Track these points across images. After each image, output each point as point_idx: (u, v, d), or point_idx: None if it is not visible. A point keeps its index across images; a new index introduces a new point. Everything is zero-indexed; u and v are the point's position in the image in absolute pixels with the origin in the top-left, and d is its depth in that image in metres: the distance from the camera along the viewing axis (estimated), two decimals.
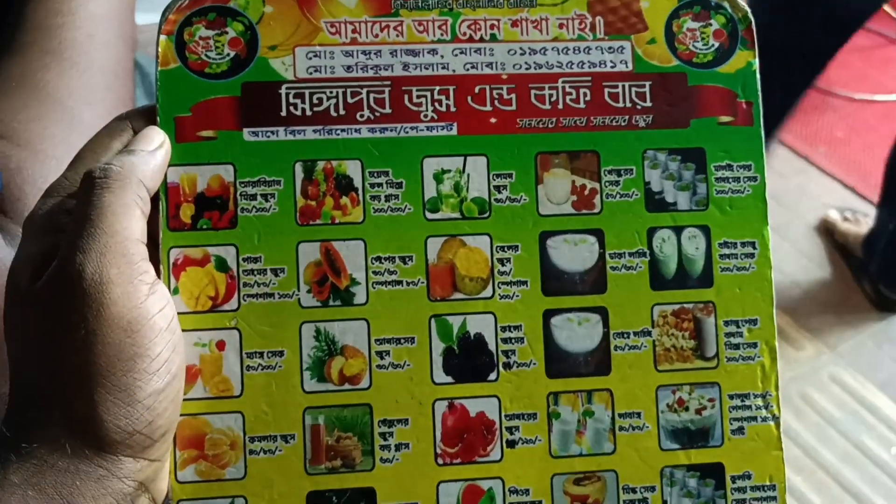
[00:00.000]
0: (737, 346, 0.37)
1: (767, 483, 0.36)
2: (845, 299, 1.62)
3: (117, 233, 0.31)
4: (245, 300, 0.35)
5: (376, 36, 0.36)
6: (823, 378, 1.48)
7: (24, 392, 0.31)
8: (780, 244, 1.73)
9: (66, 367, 0.30)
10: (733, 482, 0.36)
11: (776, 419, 0.37)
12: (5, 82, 0.46)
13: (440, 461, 0.35)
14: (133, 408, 0.30)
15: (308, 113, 0.36)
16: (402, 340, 0.35)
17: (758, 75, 0.37)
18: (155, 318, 0.31)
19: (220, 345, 0.34)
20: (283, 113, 0.35)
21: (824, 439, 1.37)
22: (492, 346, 0.36)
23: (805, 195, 1.84)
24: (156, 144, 0.34)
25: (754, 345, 0.37)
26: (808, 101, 2.09)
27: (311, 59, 0.36)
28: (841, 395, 1.45)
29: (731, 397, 0.37)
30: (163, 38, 0.35)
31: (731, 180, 0.37)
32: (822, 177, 1.89)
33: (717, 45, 0.37)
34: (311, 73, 0.36)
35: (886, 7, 2.39)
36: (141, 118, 0.35)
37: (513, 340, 0.36)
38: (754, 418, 0.37)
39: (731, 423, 0.36)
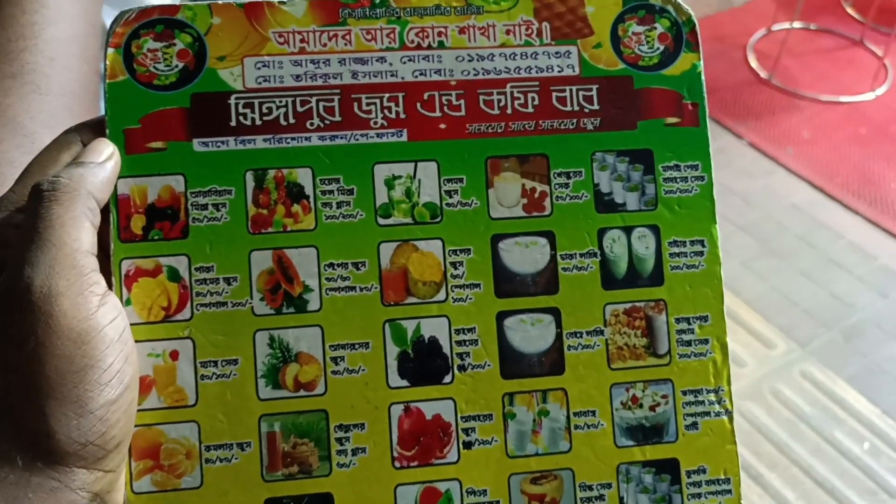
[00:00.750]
0: (688, 343, 0.37)
1: (722, 477, 0.37)
2: (813, 297, 1.65)
3: (66, 245, 0.30)
4: (198, 310, 0.35)
5: (324, 45, 0.37)
6: (795, 375, 1.50)
7: None
8: (749, 243, 1.75)
9: (15, 380, 0.30)
10: (688, 477, 0.37)
11: (729, 414, 0.37)
12: None
13: (397, 464, 0.35)
14: (85, 419, 0.30)
15: (258, 122, 0.36)
16: (357, 346, 0.36)
17: (702, 77, 0.38)
18: (106, 329, 0.31)
19: (174, 354, 0.34)
20: (233, 123, 0.36)
21: (797, 435, 1.39)
22: (446, 349, 0.36)
23: (774, 195, 1.87)
24: (105, 156, 0.34)
25: (706, 341, 0.37)
26: (775, 103, 2.13)
27: (259, 69, 0.36)
28: (812, 391, 1.47)
29: (685, 393, 0.37)
30: (110, 50, 0.35)
31: (678, 180, 0.38)
32: (790, 177, 1.92)
33: (662, 48, 0.38)
34: (260, 83, 0.36)
35: (850, 10, 2.43)
36: (90, 131, 0.35)
37: (467, 343, 0.36)
38: (708, 413, 0.37)
39: (685, 419, 0.37)
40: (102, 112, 0.36)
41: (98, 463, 0.31)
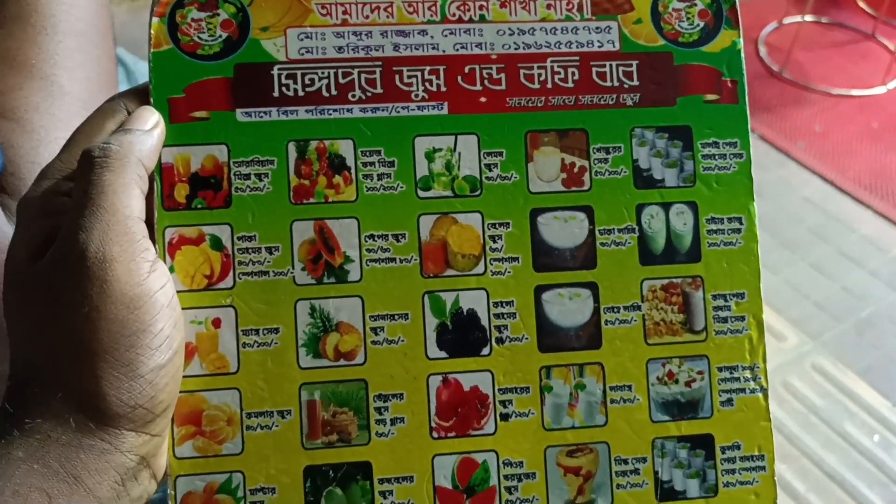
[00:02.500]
0: (725, 320, 0.37)
1: (756, 453, 0.37)
2: (825, 290, 1.64)
3: (118, 211, 0.31)
4: (240, 278, 0.35)
5: (367, 17, 0.37)
6: (806, 367, 1.50)
7: (25, 369, 0.31)
8: (761, 236, 1.75)
9: (70, 343, 0.30)
10: (723, 452, 0.37)
11: (764, 391, 0.37)
12: None
13: (435, 435, 0.36)
14: (135, 382, 0.30)
15: (300, 93, 0.36)
16: (396, 316, 0.36)
17: (742, 54, 0.38)
18: (157, 295, 0.31)
19: (216, 322, 0.35)
20: (276, 93, 0.36)
21: (808, 427, 1.39)
22: (484, 322, 0.36)
23: (786, 188, 1.86)
24: (151, 124, 0.34)
25: (742, 318, 0.37)
26: (787, 97, 2.12)
27: (302, 40, 0.36)
28: (824, 383, 1.47)
29: (720, 370, 0.37)
30: (155, 20, 0.36)
31: (717, 157, 0.38)
32: (802, 170, 1.91)
33: (702, 24, 0.38)
34: (302, 55, 0.36)
35: (861, 3, 2.42)
36: (134, 99, 0.35)
37: (505, 316, 0.36)
38: (743, 390, 0.37)
39: (720, 395, 0.37)
40: (113, 51, 0.35)
41: (146, 426, 0.31)
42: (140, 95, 0.35)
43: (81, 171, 0.32)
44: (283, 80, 0.36)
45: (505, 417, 0.36)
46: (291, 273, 0.35)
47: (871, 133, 2.02)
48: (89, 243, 0.30)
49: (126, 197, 0.31)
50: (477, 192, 0.37)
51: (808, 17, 2.39)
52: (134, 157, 0.32)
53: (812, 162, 1.94)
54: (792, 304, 1.62)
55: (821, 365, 1.50)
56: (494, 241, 0.36)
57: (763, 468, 0.37)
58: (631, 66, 0.38)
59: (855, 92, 2.15)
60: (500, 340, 0.36)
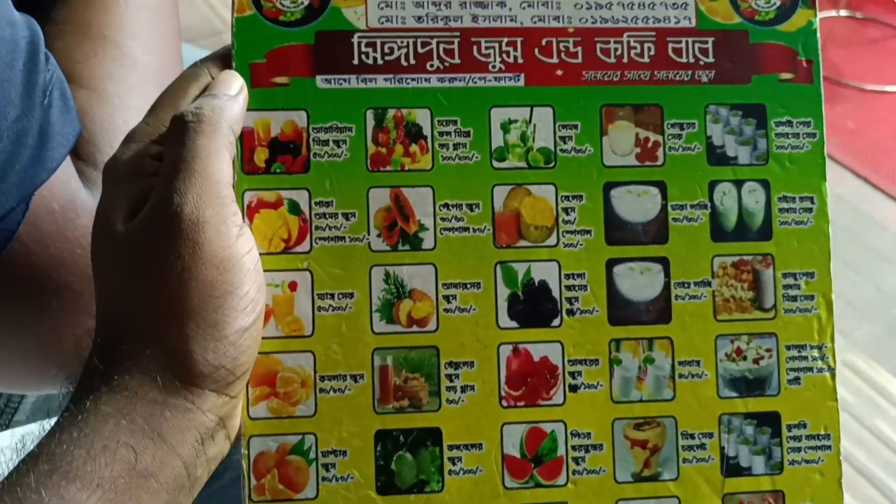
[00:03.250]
0: (794, 298, 0.37)
1: (823, 432, 0.37)
2: (858, 289, 1.63)
3: (211, 175, 0.31)
4: (317, 243, 0.35)
5: None
6: (838, 365, 1.49)
7: (114, 326, 0.31)
8: None
9: (161, 302, 0.30)
10: (789, 430, 0.37)
11: (832, 370, 0.37)
12: (52, 25, 0.45)
13: (504, 403, 0.36)
14: (221, 342, 0.31)
15: (379, 62, 0.36)
16: (469, 285, 0.36)
17: (818, 34, 0.38)
18: (244, 259, 0.32)
19: (293, 286, 0.35)
20: (356, 61, 0.36)
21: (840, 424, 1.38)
22: (556, 293, 0.36)
23: None
24: (237, 89, 0.34)
25: (811, 297, 0.37)
26: None
27: (382, 9, 0.36)
28: (855, 381, 1.46)
29: (788, 348, 0.37)
30: None
31: (790, 136, 0.38)
32: (835, 167, 1.90)
33: (778, 3, 0.38)
34: (382, 23, 0.36)
35: None
36: (217, 64, 0.36)
37: (576, 288, 0.36)
38: (810, 369, 0.37)
39: (788, 374, 0.37)
40: (178, 25, 0.36)
41: (227, 387, 0.32)
42: (222, 60, 0.36)
43: (174, 135, 0.32)
44: (363, 49, 0.36)
45: (574, 389, 0.36)
46: (367, 239, 0.36)
47: None
48: (184, 206, 0.30)
49: (218, 161, 0.32)
50: (551, 165, 0.37)
51: (843, 13, 2.36)
52: (225, 122, 0.33)
53: (845, 159, 1.92)
54: None
55: (852, 362, 1.49)
56: (567, 214, 0.37)
57: (829, 447, 0.37)
58: (707, 42, 0.38)
59: (889, 88, 2.12)
60: (570, 312, 0.36)
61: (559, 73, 0.37)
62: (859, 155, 1.93)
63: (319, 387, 0.35)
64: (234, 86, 0.34)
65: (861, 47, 2.28)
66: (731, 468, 0.37)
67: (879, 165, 1.90)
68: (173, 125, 0.32)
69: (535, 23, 0.37)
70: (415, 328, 0.36)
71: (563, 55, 0.37)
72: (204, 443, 0.31)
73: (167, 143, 0.32)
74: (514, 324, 0.36)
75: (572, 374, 0.36)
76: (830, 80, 2.14)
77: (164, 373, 0.30)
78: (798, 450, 0.37)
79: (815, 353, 0.37)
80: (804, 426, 0.37)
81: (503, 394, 0.36)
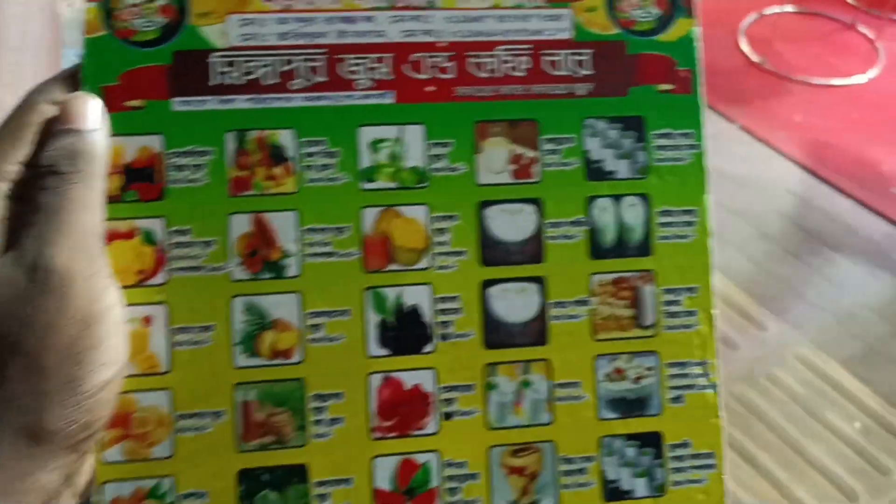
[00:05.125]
0: (675, 315, 0.37)
1: (706, 451, 0.36)
2: (807, 280, 1.65)
3: (83, 226, 0.30)
4: (173, 274, 0.34)
5: (311, 3, 0.35)
6: (788, 357, 1.51)
7: None
8: (743, 227, 1.75)
9: (15, 357, 0.29)
10: (672, 451, 0.36)
11: (714, 387, 0.37)
12: None
13: (375, 435, 0.35)
14: (78, 397, 0.29)
15: (240, 81, 0.35)
16: (336, 313, 0.35)
17: (696, 44, 0.37)
18: (110, 312, 0.30)
19: (147, 320, 0.34)
20: (214, 82, 0.35)
21: (790, 416, 1.39)
22: (428, 318, 0.35)
23: (767, 179, 1.86)
24: (97, 120, 0.32)
25: (693, 313, 0.37)
26: (768, 88, 2.12)
27: (243, 26, 0.35)
28: (805, 372, 1.47)
29: (670, 366, 0.36)
30: (90, 4, 0.34)
31: (670, 148, 0.37)
32: (784, 160, 1.91)
33: (657, 13, 0.37)
34: (243, 41, 0.35)
35: None
36: (61, 88, 0.33)
37: (450, 311, 0.35)
38: (692, 386, 0.37)
39: (670, 392, 0.36)
40: (61, 64, 0.34)
41: (79, 444, 0.30)
42: (63, 84, 0.33)
43: (47, 182, 0.30)
44: (222, 68, 0.35)
45: (448, 416, 0.35)
46: (227, 268, 0.34)
47: (852, 123, 2.02)
48: (55, 259, 0.29)
49: (92, 213, 0.31)
50: (423, 184, 0.36)
51: (789, 8, 2.39)
52: (97, 166, 0.31)
53: (793, 152, 1.93)
54: (775, 295, 1.63)
55: (802, 354, 1.50)
56: (440, 235, 0.35)
57: (712, 466, 0.36)
58: (584, 54, 0.37)
59: (835, 82, 2.15)
60: (444, 337, 0.35)
61: (431, 89, 0.36)
62: (807, 148, 1.95)
63: (177, 426, 0.34)
64: (92, 116, 0.32)
65: (808, 42, 2.30)
66: (612, 492, 0.36)
67: (826, 158, 1.92)
68: (46, 172, 0.30)
69: (404, 38, 0.36)
70: (279, 360, 0.34)
71: (434, 71, 0.36)
72: None
73: (38, 190, 0.30)
74: (384, 351, 0.35)
75: (446, 402, 0.35)
76: (778, 74, 2.16)
77: (11, 435, 0.29)
78: (681, 470, 0.36)
79: (698, 370, 0.37)
80: (687, 446, 0.36)
81: (374, 425, 0.35)
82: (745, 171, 1.88)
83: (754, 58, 2.20)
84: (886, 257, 1.71)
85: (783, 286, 1.64)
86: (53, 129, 0.32)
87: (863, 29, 2.32)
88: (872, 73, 2.18)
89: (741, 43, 2.23)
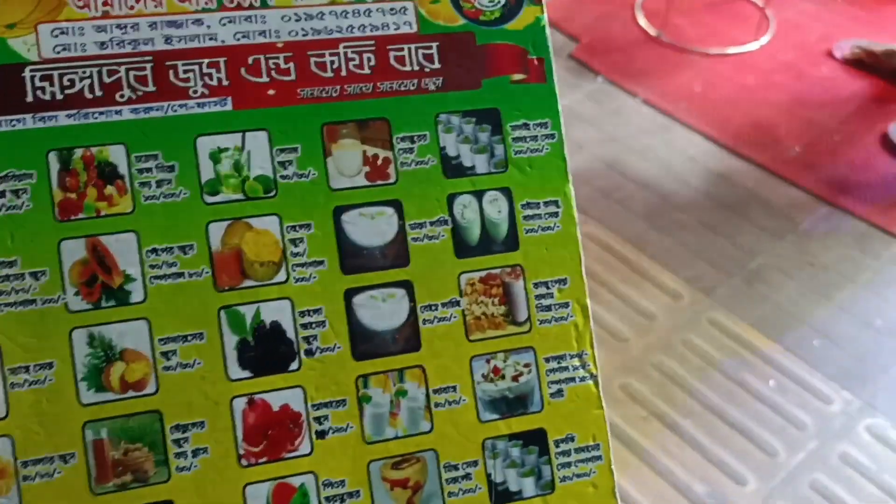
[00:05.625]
0: (548, 308, 0.36)
1: (591, 443, 0.36)
2: (715, 246, 1.69)
3: None
4: (2, 310, 0.31)
5: (132, 8, 0.33)
6: (703, 323, 1.54)
7: None
8: (652, 199, 1.77)
9: None
10: (557, 446, 0.35)
11: (594, 378, 0.36)
12: None
13: (244, 462, 0.33)
14: None
15: (59, 96, 0.32)
16: (190, 337, 0.32)
17: (547, 31, 0.36)
18: None
19: None
20: (30, 98, 0.32)
21: (708, 382, 1.42)
22: (290, 334, 0.33)
23: (671, 150, 1.90)
24: None
25: (566, 304, 0.36)
26: (666, 60, 2.15)
27: (57, 36, 0.32)
28: (720, 337, 1.50)
29: (547, 360, 0.35)
30: None
31: (528, 139, 0.36)
32: (686, 130, 1.95)
33: (503, 2, 0.36)
34: (58, 53, 0.32)
35: None
36: None
37: (313, 325, 0.34)
38: (572, 379, 0.36)
39: (550, 387, 0.35)
40: None
41: None
42: None
43: None
44: (38, 83, 0.32)
45: (321, 435, 0.33)
46: (63, 299, 0.32)
47: (748, 89, 2.07)
48: None
49: None
50: (272, 193, 0.34)
51: None
52: None
53: (694, 122, 1.97)
54: (686, 263, 1.66)
55: (716, 319, 1.54)
56: (295, 245, 0.34)
57: (599, 458, 0.36)
58: (431, 48, 0.35)
59: (731, 50, 2.20)
60: (309, 352, 0.33)
61: (271, 92, 0.34)
62: (707, 116, 1.99)
63: (22, 474, 0.31)
64: None
65: (701, 13, 2.35)
66: (500, 495, 0.35)
67: (726, 125, 1.97)
68: None
69: (238, 40, 0.34)
70: (131, 393, 0.32)
71: (273, 73, 0.34)
72: None
73: None
74: (246, 373, 0.33)
75: (318, 420, 0.33)
76: (675, 46, 2.20)
77: None
78: (568, 465, 0.35)
79: (576, 361, 0.36)
80: (572, 440, 0.36)
81: (242, 451, 0.33)
82: (650, 143, 1.91)
83: (651, 31, 2.23)
84: (790, 219, 1.76)
85: (693, 254, 1.68)
86: None
87: None
88: (764, 39, 2.24)
89: (638, 17, 2.26)
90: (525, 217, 0.35)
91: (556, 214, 0.36)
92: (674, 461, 1.32)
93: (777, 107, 2.03)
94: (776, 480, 1.32)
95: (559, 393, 0.36)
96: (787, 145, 1.94)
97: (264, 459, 0.33)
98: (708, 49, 2.18)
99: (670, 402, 1.39)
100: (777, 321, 1.55)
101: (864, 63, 2.13)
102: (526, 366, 0.35)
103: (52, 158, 0.32)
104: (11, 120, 0.32)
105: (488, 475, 0.35)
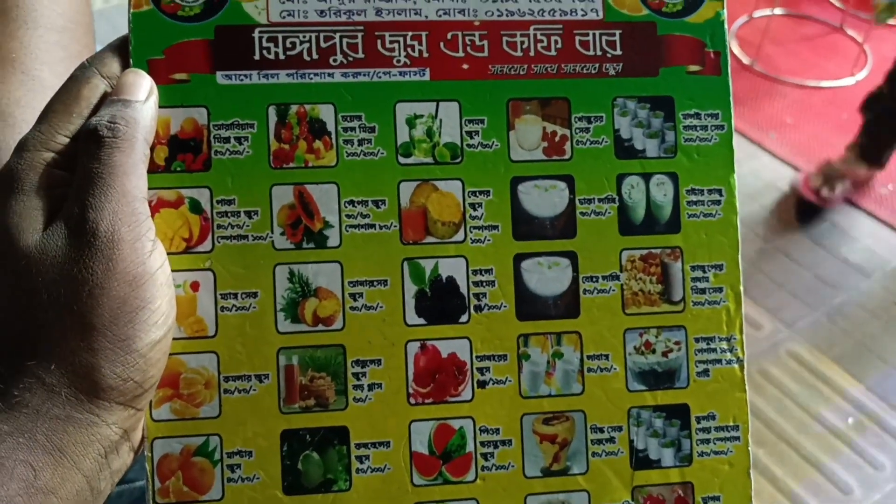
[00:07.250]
0: (703, 291, 0.38)
1: (731, 423, 0.38)
2: (799, 279, 1.67)
3: (128, 192, 0.31)
4: (219, 242, 0.35)
5: None
6: (781, 354, 1.53)
7: (15, 342, 0.30)
8: None
9: (70, 318, 0.30)
10: (698, 422, 0.37)
11: (740, 362, 0.38)
12: None
13: (412, 401, 0.36)
14: (131, 356, 0.30)
15: (281, 57, 0.36)
16: (375, 283, 0.36)
17: (725, 25, 0.38)
18: (157, 273, 0.31)
19: (195, 286, 0.34)
20: (257, 56, 0.35)
21: (784, 413, 1.41)
22: (463, 289, 0.36)
23: (758, 179, 1.89)
24: (146, 93, 0.33)
25: (720, 289, 0.38)
26: (758, 89, 2.14)
27: (284, 3, 0.36)
28: (798, 369, 1.49)
29: (697, 340, 0.37)
30: None
31: (698, 128, 0.38)
32: (774, 161, 1.94)
33: None
34: (283, 18, 0.36)
35: None
36: (110, 61, 0.34)
37: (484, 283, 0.36)
38: (719, 361, 0.38)
39: (697, 366, 0.37)
40: (94, 47, 0.35)
41: (134, 400, 0.31)
42: (110, 58, 0.34)
43: (89, 149, 0.31)
44: (264, 44, 0.35)
45: (482, 385, 0.36)
46: (270, 237, 0.35)
47: (841, 124, 2.04)
48: (100, 223, 0.30)
49: (135, 178, 0.32)
50: (458, 160, 0.36)
51: (778, 11, 2.41)
52: (140, 135, 0.32)
53: (783, 153, 1.96)
54: (767, 293, 1.65)
55: (795, 352, 1.52)
56: (474, 209, 0.36)
57: (737, 438, 0.38)
58: (614, 35, 0.38)
59: (825, 84, 2.18)
60: (478, 308, 0.36)
61: (465, 66, 0.37)
62: (797, 148, 1.97)
63: (224, 387, 0.34)
64: (143, 88, 0.33)
65: (797, 44, 2.33)
66: (641, 461, 0.37)
67: (816, 158, 1.94)
68: (87, 139, 0.31)
69: (440, 16, 0.37)
70: (320, 327, 0.35)
71: (468, 49, 0.37)
72: (108, 456, 0.31)
73: (81, 156, 0.31)
74: (421, 320, 0.36)
75: (480, 371, 0.36)
76: (768, 76, 2.18)
77: (69, 388, 0.30)
78: (707, 441, 0.37)
79: (724, 345, 0.38)
80: (713, 418, 0.37)
81: (411, 391, 0.36)
82: (737, 171, 1.91)
83: (745, 60, 2.23)
84: (877, 256, 1.74)
85: (776, 285, 1.66)
86: (107, 101, 0.33)
87: (851, 32, 2.36)
88: (861, 75, 2.21)
89: (732, 45, 2.25)
90: (689, 202, 0.38)
91: (718, 202, 0.38)
92: None
93: None
94: None
95: (705, 373, 0.37)
96: (877, 183, 1.91)
97: (430, 400, 0.36)
98: (802, 81, 2.16)
99: None
100: (858, 359, 1.53)
101: None
102: (676, 343, 0.37)
103: (272, 112, 0.35)
104: (240, 75, 0.35)
105: (631, 441, 0.37)
